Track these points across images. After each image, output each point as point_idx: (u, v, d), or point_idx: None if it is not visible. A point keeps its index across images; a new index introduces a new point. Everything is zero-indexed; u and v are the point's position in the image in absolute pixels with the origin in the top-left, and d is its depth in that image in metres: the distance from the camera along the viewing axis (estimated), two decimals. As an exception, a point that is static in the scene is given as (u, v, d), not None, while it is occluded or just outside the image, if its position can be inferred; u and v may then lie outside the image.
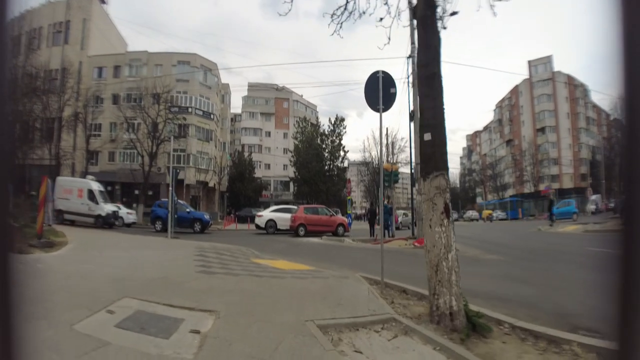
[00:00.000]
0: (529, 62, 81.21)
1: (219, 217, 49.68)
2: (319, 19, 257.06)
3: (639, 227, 1.05)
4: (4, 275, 1.03)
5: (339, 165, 56.16)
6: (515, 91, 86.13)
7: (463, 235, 23.15)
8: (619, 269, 1.06)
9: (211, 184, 51.75)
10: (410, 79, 21.39)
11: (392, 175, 23.38)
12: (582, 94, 74.28)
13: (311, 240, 21.01)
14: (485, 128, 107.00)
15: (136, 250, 12.41)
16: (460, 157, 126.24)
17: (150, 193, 43.03)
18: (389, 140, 49.85)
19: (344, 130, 56.13)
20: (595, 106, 76.96)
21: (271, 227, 27.00)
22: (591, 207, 48.69)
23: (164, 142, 41.29)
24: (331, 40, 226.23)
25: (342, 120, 56.18)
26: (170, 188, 19.63)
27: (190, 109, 49.66)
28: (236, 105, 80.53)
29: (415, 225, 23.50)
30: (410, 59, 21.38)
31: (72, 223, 27.20)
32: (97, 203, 28.10)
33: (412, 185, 23.31)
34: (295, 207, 28.77)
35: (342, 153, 56.22)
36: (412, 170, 23.68)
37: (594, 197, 51.00)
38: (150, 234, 22.45)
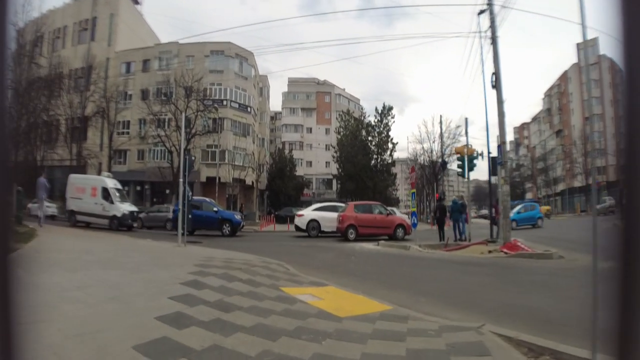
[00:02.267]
0: (577, 45, 72.49)
1: (257, 217, 45.96)
2: (356, 17, 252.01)
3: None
4: (4, 275, 1.01)
5: (387, 159, 51.21)
6: (564, 77, 79.29)
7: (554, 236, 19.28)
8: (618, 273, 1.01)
9: (249, 182, 48.01)
10: (489, 34, 16.67)
11: (467, 162, 18.66)
12: (621, 80, 66.37)
13: (365, 247, 16.51)
14: (534, 119, 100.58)
15: (99, 268, 7.86)
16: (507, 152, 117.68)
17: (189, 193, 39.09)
18: (443, 128, 45.12)
19: (392, 121, 51.39)
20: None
21: (314, 228, 22.79)
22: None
23: (195, 136, 38.73)
24: (371, 37, 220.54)
25: (390, 109, 51.32)
26: (181, 178, 15.40)
27: (225, 102, 46.44)
28: (276, 105, 77.24)
29: (496, 225, 18.92)
30: (487, 12, 16.99)
31: (87, 225, 24.47)
32: (112, 202, 24.84)
33: (492, 173, 18.42)
34: (342, 204, 24.27)
35: (390, 145, 51.13)
36: (490, 154, 18.87)
37: None
38: (164, 237, 18.18)
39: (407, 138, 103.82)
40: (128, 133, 45.75)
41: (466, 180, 19.82)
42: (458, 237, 19.25)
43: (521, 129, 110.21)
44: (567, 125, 77.66)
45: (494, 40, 16.59)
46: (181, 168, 15.60)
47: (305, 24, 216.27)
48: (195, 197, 28.17)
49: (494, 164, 18.01)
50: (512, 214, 22.81)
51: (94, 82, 42.18)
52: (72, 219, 24.85)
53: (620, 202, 1.19)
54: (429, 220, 50.83)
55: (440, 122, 45.79)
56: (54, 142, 40.60)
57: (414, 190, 17.82)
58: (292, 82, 77.88)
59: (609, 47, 1.05)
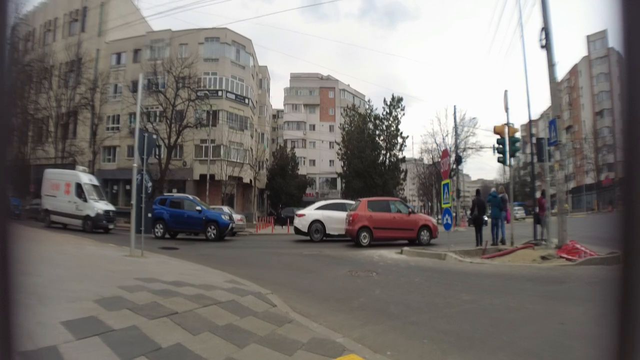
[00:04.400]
0: (588, 37, 71.77)
1: (255, 218, 42.19)
2: (359, 18, 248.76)
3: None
4: (4, 275, 1.00)
5: (397, 154, 46.81)
6: (574, 71, 75.58)
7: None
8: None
9: (246, 180, 44.19)
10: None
11: (508, 144, 14.87)
12: (621, 78, 64.24)
13: (387, 256, 12.60)
14: (542, 115, 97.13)
15: None
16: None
17: (174, 191, 36.46)
18: (457, 119, 41.52)
19: (402, 113, 46.87)
20: None
21: (317, 231, 19.02)
22: None
23: (185, 129, 35.59)
24: (372, 39, 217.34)
25: (400, 100, 46.62)
26: (134, 163, 11.52)
27: (220, 92, 42.75)
28: (279, 105, 73.67)
29: (540, 224, 15.47)
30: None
31: (64, 227, 21.63)
32: (85, 201, 21.79)
33: (539, 158, 14.55)
34: (350, 202, 20.28)
35: (400, 140, 46.55)
36: (533, 136, 15.22)
37: None
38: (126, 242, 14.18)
39: (411, 138, 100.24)
40: (118, 128, 42.67)
41: (508, 166, 15.86)
42: (496, 239, 15.36)
43: (528, 126, 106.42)
44: (578, 120, 74.34)
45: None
46: (135, 148, 11.74)
47: (307, 24, 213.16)
48: (176, 194, 24.64)
49: (540, 147, 14.17)
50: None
51: (83, 76, 39.66)
52: (47, 220, 21.99)
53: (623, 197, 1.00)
54: (438, 221, 46.99)
55: (455, 114, 42.00)
56: (44, 139, 39.12)
57: (448, 180, 13.75)
58: (295, 77, 74.44)
59: (616, 40, 0.96)
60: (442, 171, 15.65)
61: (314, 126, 70.52)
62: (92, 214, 21.55)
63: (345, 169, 47.73)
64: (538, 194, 17.59)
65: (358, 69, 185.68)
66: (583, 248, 10.83)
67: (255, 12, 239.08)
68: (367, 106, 51.90)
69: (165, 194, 25.44)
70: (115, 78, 42.76)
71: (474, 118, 60.63)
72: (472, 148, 45.74)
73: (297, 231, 19.61)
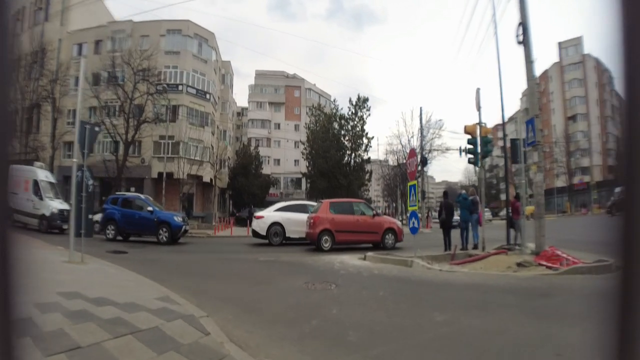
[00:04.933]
0: (559, 44, 73.36)
1: (215, 219, 40.75)
2: (326, 20, 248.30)
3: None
4: (3, 275, 1.00)
5: (362, 155, 45.75)
6: (544, 77, 76.16)
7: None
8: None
9: (207, 179, 42.58)
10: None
11: (480, 145, 14.10)
12: (608, 80, 67.00)
13: (349, 263, 11.48)
14: (510, 119, 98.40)
15: None
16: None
17: (132, 189, 34.00)
18: (423, 121, 41.17)
19: (368, 114, 45.83)
20: (618, 94, 68.40)
21: (277, 235, 17.75)
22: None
23: (143, 124, 34.19)
24: (339, 40, 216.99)
25: (366, 100, 45.65)
26: (75, 158, 10.31)
27: (180, 87, 41.06)
28: (244, 101, 72.95)
29: (514, 228, 14.75)
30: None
31: (25, 226, 20.22)
32: (41, 199, 20.78)
33: (513, 160, 13.90)
34: (312, 203, 19.14)
35: (365, 140, 45.48)
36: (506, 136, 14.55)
37: (619, 189, 44.50)
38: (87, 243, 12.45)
39: (377, 139, 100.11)
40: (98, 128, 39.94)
41: (478, 168, 15.05)
42: (466, 243, 14.53)
43: (495, 130, 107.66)
44: (548, 125, 74.28)
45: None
46: (75, 141, 10.46)
47: (274, 23, 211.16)
48: (127, 193, 23.31)
49: (515, 148, 13.51)
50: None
51: (45, 67, 37.84)
52: (12, 219, 19.74)
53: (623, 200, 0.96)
54: (403, 222, 46.57)
55: (420, 115, 41.46)
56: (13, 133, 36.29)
57: (415, 182, 12.77)
58: (260, 74, 72.91)
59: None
60: (408, 172, 14.61)
61: (279, 125, 69.29)
62: (47, 213, 20.32)
63: (310, 168, 46.64)
64: (512, 196, 16.84)
65: (325, 70, 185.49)
66: (564, 255, 10.03)
67: (222, 9, 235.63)
68: (333, 106, 50.99)
69: (118, 193, 23.88)
70: (77, 70, 39.20)
71: (440, 120, 60.41)
72: (437, 150, 45.45)
73: (255, 234, 18.33)
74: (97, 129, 11.91)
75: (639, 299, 0.91)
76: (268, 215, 18.19)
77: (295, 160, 63.77)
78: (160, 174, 37.62)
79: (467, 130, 14.42)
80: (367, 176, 46.14)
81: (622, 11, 0.92)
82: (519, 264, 10.18)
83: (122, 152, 34.19)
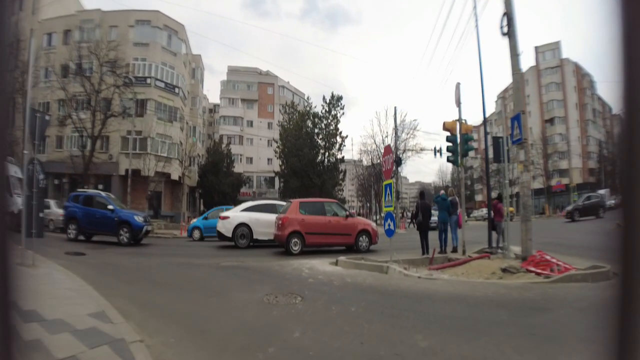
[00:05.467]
0: (536, 48, 73.94)
1: (184, 219, 39.33)
2: (300, 19, 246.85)
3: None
4: (4, 274, 1.01)
5: (336, 154, 44.97)
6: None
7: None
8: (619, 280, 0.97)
9: (175, 177, 41.15)
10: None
11: (462, 143, 13.21)
12: (589, 84, 69.26)
13: (319, 269, 10.41)
14: (486, 122, 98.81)
15: None
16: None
17: (100, 187, 33.35)
18: (398, 121, 40.63)
19: (342, 112, 45.28)
20: (600, 98, 71.82)
21: (243, 236, 16.60)
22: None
23: (110, 118, 32.95)
24: (313, 40, 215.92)
25: (339, 99, 44.97)
26: (25, 150, 9.22)
27: (149, 80, 39.60)
28: (217, 98, 71.18)
29: (496, 231, 13.97)
30: None
31: None
32: (10, 195, 18.08)
33: (495, 160, 13.11)
34: (282, 203, 17.92)
35: (339, 139, 44.79)
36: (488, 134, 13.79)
37: (602, 191, 44.71)
38: (41, 243, 10.72)
39: (351, 140, 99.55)
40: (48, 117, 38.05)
41: (459, 169, 14.09)
42: (444, 246, 13.66)
43: (471, 132, 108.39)
44: (524, 127, 75.13)
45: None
46: (25, 131, 9.28)
47: (248, 21, 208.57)
48: (88, 190, 21.98)
49: (498, 146, 12.69)
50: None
51: (18, 59, 35.76)
52: None
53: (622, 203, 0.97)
54: (378, 222, 45.80)
55: (395, 115, 40.98)
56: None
57: (391, 180, 11.75)
58: (232, 70, 71.26)
59: (615, 40, 0.95)
60: (384, 170, 13.47)
61: (251, 122, 67.86)
62: (15, 211, 18.62)
63: (283, 167, 45.54)
64: (493, 197, 15.98)
65: (298, 70, 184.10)
66: (554, 260, 9.17)
67: (195, 3, 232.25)
68: (306, 104, 49.89)
69: (80, 190, 22.46)
70: (46, 61, 38.47)
71: (414, 120, 59.98)
72: (412, 150, 44.87)
73: (221, 236, 17.11)
74: (47, 117, 10.84)
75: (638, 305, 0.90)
76: (234, 215, 17.01)
77: (268, 159, 62.45)
78: (130, 171, 36.00)
79: (447, 126, 13.46)
80: (340, 175, 45.16)
81: (622, 13, 0.93)
82: (504, 270, 9.31)
83: (86, 146, 32.87)
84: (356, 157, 57.94)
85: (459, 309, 6.28)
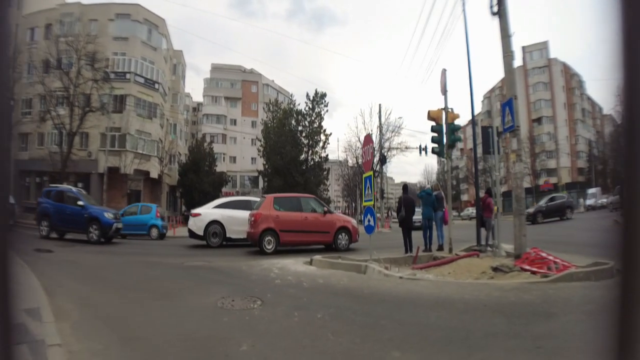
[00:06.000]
0: (523, 47, 73.43)
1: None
2: (286, 19, 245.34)
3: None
4: (3, 274, 1.00)
5: (319, 152, 43.80)
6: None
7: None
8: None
9: (154, 175, 39.91)
10: None
11: (447, 133, 12.25)
12: (578, 84, 69.84)
13: (290, 269, 9.30)
14: (474, 118, 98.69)
15: None
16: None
17: (80, 185, 31.99)
18: (383, 118, 39.94)
19: (326, 110, 44.03)
20: (589, 98, 72.43)
21: (215, 234, 15.52)
22: (589, 201, 45.62)
23: (87, 113, 32.04)
24: (299, 41, 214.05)
25: (323, 96, 43.82)
26: None
27: (128, 75, 38.35)
28: (201, 97, 70.14)
29: (485, 228, 13.11)
30: None
31: None
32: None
33: (484, 151, 12.22)
34: (257, 199, 16.88)
35: (322, 137, 43.60)
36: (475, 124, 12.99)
37: (593, 190, 47.50)
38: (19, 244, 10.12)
39: (337, 141, 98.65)
40: (30, 113, 37.36)
41: (444, 160, 13.00)
42: (429, 244, 12.62)
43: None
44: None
45: None
46: None
47: (233, 21, 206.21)
48: (60, 185, 21.32)
49: (487, 137, 11.83)
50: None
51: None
52: None
53: (622, 201, 0.97)
54: (360, 220, 44.74)
55: (380, 112, 40.16)
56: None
57: (371, 172, 10.73)
58: (216, 68, 70.38)
59: (615, 40, 0.95)
60: (363, 162, 12.35)
61: (235, 121, 66.95)
62: None
63: (266, 166, 44.44)
64: (482, 192, 15.03)
65: (284, 70, 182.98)
66: (551, 257, 8.22)
67: (181, 4, 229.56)
68: (290, 101, 48.80)
69: (52, 185, 21.41)
70: (29, 57, 37.39)
71: (399, 117, 59.26)
72: (397, 148, 44.06)
73: (192, 234, 15.98)
74: (11, 102, 9.74)
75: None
76: (206, 212, 15.94)
77: (252, 158, 61.32)
78: (108, 169, 35.35)
79: (431, 115, 12.41)
80: (324, 174, 44.08)
81: (622, 11, 0.93)
82: (495, 269, 8.37)
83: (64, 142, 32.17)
84: (342, 157, 57.09)
85: (446, 316, 5.28)
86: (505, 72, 10.56)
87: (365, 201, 10.95)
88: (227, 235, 15.45)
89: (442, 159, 13.11)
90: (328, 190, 53.19)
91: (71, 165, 31.71)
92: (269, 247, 12.96)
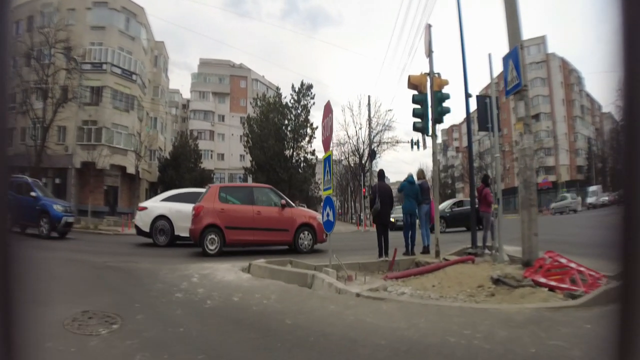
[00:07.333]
0: (521, 42, 70.81)
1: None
2: (281, 19, 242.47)
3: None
4: (3, 273, 1.00)
5: (305, 147, 41.83)
6: (503, 76, 75.25)
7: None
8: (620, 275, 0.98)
9: (131, 170, 38.00)
10: None
11: (433, 103, 9.77)
12: (576, 80, 68.27)
13: (215, 279, 6.99)
14: (465, 119, 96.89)
15: None
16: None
17: (57, 181, 32.94)
18: (372, 111, 37.93)
19: (312, 102, 41.93)
20: (588, 95, 70.85)
21: (162, 231, 13.34)
22: (590, 199, 44.40)
23: (61, 105, 30.43)
24: (294, 40, 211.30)
25: (310, 87, 41.87)
26: None
27: (105, 66, 36.72)
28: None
29: (482, 226, 10.94)
30: None
31: None
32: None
33: (481, 128, 9.86)
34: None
35: (309, 131, 41.46)
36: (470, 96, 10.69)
37: (594, 188, 46.59)
38: None
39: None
40: (14, 108, 35.44)
41: (430, 136, 10.25)
42: (411, 246, 10.29)
43: (450, 131, 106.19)
44: (507, 123, 72.47)
45: None
46: None
47: (227, 22, 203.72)
48: (18, 176, 19.44)
49: (483, 108, 9.54)
50: None
51: None
52: None
53: (622, 200, 0.97)
54: (353, 221, 42.91)
55: (369, 105, 38.03)
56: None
57: (330, 152, 8.27)
58: (204, 63, 68.69)
59: (615, 40, 0.95)
60: (322, 139, 9.45)
61: (223, 117, 65.42)
62: None
63: (252, 162, 42.33)
64: (478, 182, 12.70)
65: (279, 70, 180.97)
66: (574, 264, 5.85)
67: (174, 3, 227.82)
68: (275, 94, 46.64)
69: (14, 176, 19.65)
70: (15, 51, 35.06)
71: (390, 110, 56.82)
72: (388, 142, 41.84)
73: (139, 231, 13.88)
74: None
75: None
76: (152, 206, 13.84)
77: (240, 155, 59.35)
78: (84, 164, 34.31)
79: (413, 82, 9.82)
80: (311, 171, 41.88)
81: (622, 11, 0.91)
82: (496, 281, 6.03)
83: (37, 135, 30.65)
84: (334, 154, 54.91)
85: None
86: (508, 16, 8.13)
87: (325, 189, 8.55)
88: (176, 232, 13.28)
89: (427, 135, 10.31)
90: (319, 189, 51.17)
91: (47, 160, 30.22)
92: (212, 248, 10.75)
